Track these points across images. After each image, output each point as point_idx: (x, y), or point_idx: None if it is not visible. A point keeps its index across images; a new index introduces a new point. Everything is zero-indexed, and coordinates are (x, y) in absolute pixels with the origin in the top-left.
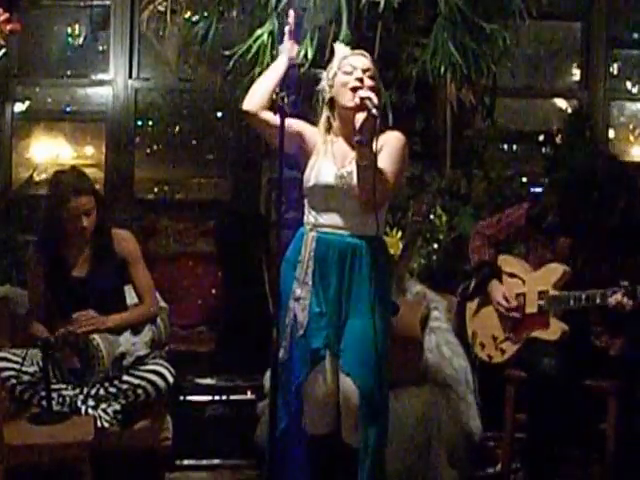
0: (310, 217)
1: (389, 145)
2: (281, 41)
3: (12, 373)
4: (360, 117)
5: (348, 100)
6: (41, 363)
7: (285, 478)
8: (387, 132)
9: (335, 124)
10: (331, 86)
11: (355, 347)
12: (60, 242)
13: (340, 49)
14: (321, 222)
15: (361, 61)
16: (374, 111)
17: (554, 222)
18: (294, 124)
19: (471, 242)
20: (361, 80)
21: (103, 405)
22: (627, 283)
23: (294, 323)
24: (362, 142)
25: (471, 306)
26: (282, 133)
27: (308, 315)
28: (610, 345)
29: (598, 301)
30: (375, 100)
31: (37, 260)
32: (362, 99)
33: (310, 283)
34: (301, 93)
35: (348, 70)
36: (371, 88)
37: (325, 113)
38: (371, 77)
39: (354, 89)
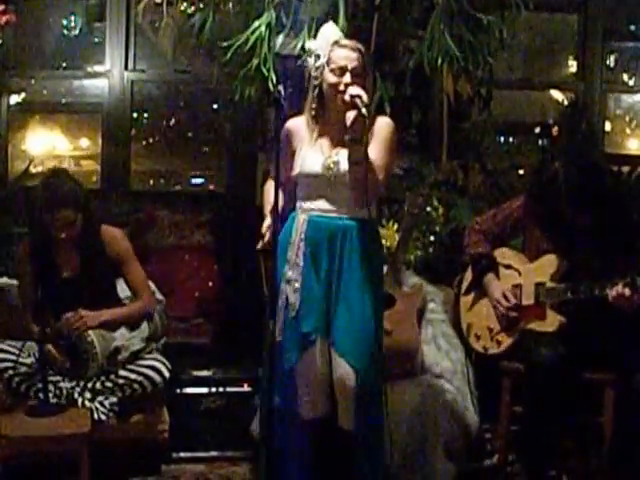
0: (301, 203)
1: (380, 135)
2: None
3: (9, 364)
4: (350, 115)
5: (337, 99)
6: (38, 355)
7: (281, 465)
8: (377, 118)
9: (322, 112)
10: (317, 78)
11: (349, 328)
12: (49, 244)
13: (328, 33)
14: (311, 207)
15: (348, 59)
16: (363, 111)
17: (552, 213)
18: (287, 151)
19: (466, 238)
20: (349, 84)
21: (100, 398)
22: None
23: (286, 305)
24: (353, 140)
25: (466, 300)
26: (277, 125)
27: (300, 296)
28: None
29: (597, 293)
30: (365, 98)
31: (27, 259)
32: (352, 97)
33: (301, 265)
34: (298, 85)
35: (336, 71)
36: (358, 85)
37: (313, 103)
38: (359, 75)
39: (342, 91)
